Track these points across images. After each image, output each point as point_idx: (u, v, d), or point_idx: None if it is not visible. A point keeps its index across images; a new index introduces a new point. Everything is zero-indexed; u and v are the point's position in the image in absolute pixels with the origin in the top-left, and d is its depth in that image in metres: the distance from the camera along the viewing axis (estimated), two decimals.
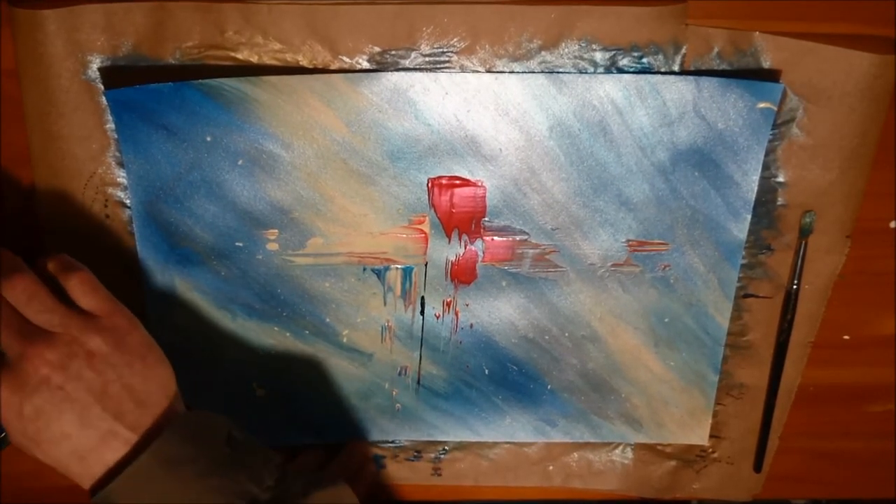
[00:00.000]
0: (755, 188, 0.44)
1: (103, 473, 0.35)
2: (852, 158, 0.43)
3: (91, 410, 0.35)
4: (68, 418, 0.34)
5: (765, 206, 0.45)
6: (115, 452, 0.35)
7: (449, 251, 0.45)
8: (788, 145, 0.43)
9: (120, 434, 0.35)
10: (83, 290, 0.37)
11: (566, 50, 0.41)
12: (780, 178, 0.44)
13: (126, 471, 0.34)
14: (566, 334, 0.47)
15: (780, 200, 0.45)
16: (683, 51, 0.41)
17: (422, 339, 0.47)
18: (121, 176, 0.43)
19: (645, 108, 0.41)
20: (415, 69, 0.41)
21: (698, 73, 0.42)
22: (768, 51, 0.42)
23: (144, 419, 0.36)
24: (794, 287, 0.46)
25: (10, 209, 0.44)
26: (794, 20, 0.42)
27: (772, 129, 0.42)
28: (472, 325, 0.47)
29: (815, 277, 0.47)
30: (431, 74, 0.41)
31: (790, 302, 0.47)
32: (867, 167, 0.44)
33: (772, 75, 0.42)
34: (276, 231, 0.44)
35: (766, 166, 0.44)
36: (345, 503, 0.40)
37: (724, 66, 0.42)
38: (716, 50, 0.42)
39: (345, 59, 0.41)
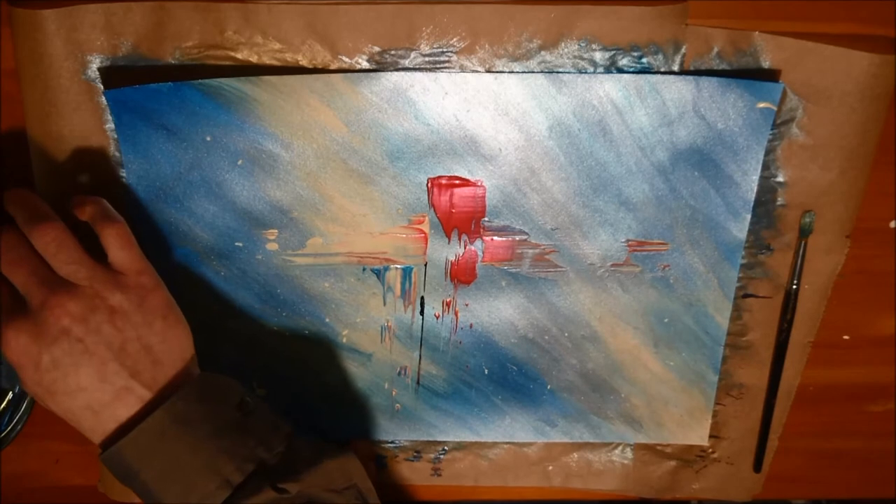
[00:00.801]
0: (755, 188, 0.44)
1: (115, 429, 0.35)
2: (852, 158, 0.43)
3: (108, 366, 0.35)
4: (85, 372, 0.34)
5: (764, 205, 0.45)
6: (128, 409, 0.35)
7: (448, 251, 0.45)
8: (788, 145, 0.43)
9: (135, 391, 0.35)
10: (118, 243, 0.37)
11: (566, 50, 0.41)
12: (780, 178, 0.44)
13: (138, 427, 0.34)
14: (566, 334, 0.47)
15: (779, 200, 0.45)
16: (683, 51, 0.41)
17: (421, 339, 0.47)
18: (120, 176, 0.43)
19: (645, 108, 0.41)
20: (414, 69, 0.41)
21: (698, 72, 0.42)
22: (768, 51, 0.42)
23: (160, 378, 0.36)
24: (794, 287, 0.46)
25: None
26: (794, 20, 0.42)
27: (771, 129, 0.42)
28: (471, 325, 0.47)
29: (814, 277, 0.47)
30: (431, 74, 0.41)
31: (790, 302, 0.47)
32: (867, 167, 0.44)
33: (772, 75, 0.42)
34: (276, 231, 0.44)
35: (765, 166, 0.44)
36: (352, 472, 0.40)
37: (723, 66, 0.42)
38: (716, 50, 0.42)
39: (344, 58, 0.41)
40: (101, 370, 0.35)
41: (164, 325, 0.37)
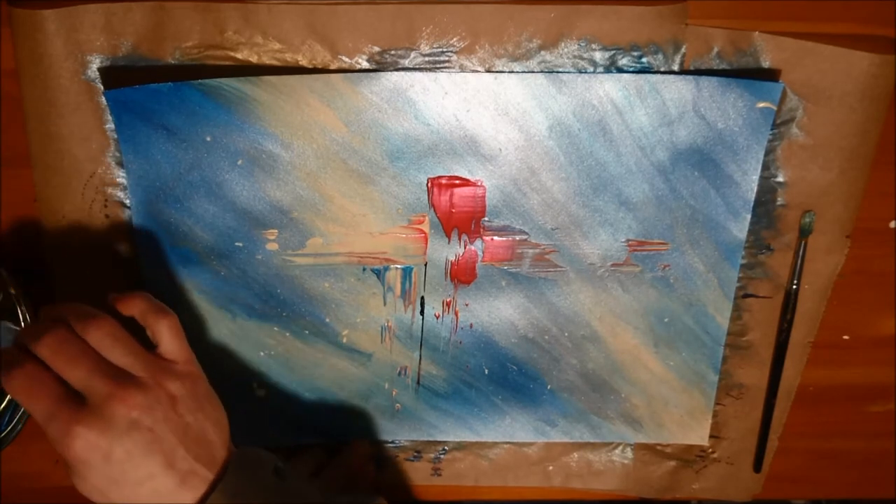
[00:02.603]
0: (755, 188, 0.44)
1: None
2: (852, 158, 0.43)
3: (176, 452, 0.36)
4: (156, 460, 0.35)
5: (764, 205, 0.45)
6: (194, 491, 0.36)
7: (448, 251, 0.45)
8: (788, 145, 0.43)
9: (199, 473, 0.36)
10: (171, 334, 0.38)
11: (566, 49, 0.41)
12: (780, 178, 0.44)
13: None
14: (566, 334, 0.47)
15: (779, 200, 0.45)
16: (683, 50, 0.41)
17: (421, 339, 0.47)
18: (120, 176, 0.43)
19: (644, 108, 0.41)
20: (414, 69, 0.41)
21: (698, 72, 0.42)
22: (768, 51, 0.42)
23: (217, 458, 0.37)
24: (794, 287, 0.46)
25: (10, 209, 0.44)
26: (794, 20, 0.42)
27: (771, 129, 0.42)
28: (471, 325, 0.47)
29: (814, 277, 0.47)
30: (431, 74, 0.41)
31: (790, 302, 0.47)
32: (867, 167, 0.44)
33: (771, 75, 0.42)
34: (276, 231, 0.44)
35: (765, 166, 0.44)
36: None
37: (723, 66, 0.42)
38: (716, 50, 0.42)
39: (344, 58, 0.41)
40: (170, 457, 0.35)
41: (211, 408, 0.38)
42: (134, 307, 0.38)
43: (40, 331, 0.35)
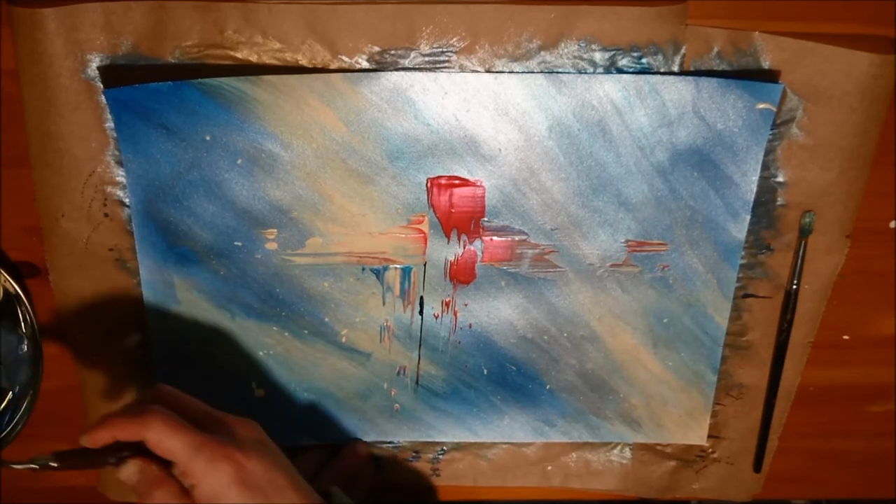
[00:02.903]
0: (754, 188, 0.44)
1: None
2: (852, 158, 0.43)
3: (291, 469, 0.38)
4: (285, 475, 0.37)
5: (764, 206, 0.45)
6: None
7: (448, 251, 0.45)
8: (788, 145, 0.43)
9: (312, 494, 0.38)
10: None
11: (565, 50, 0.41)
12: (780, 178, 0.44)
13: None
14: (565, 334, 0.47)
15: (779, 200, 0.45)
16: (683, 51, 0.41)
17: (420, 339, 0.47)
18: (120, 175, 0.43)
19: (644, 109, 0.41)
20: (414, 69, 0.41)
21: (698, 73, 0.42)
22: (768, 51, 0.41)
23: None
24: (794, 287, 0.46)
25: (10, 209, 0.44)
26: (794, 20, 0.42)
27: (771, 129, 0.42)
28: (470, 325, 0.47)
29: (814, 277, 0.47)
30: (431, 74, 0.41)
31: (790, 302, 0.47)
32: (867, 167, 0.44)
33: (771, 75, 0.42)
34: (275, 230, 0.44)
35: (765, 166, 0.44)
36: None
37: (723, 67, 0.42)
38: (715, 50, 0.42)
39: (344, 58, 0.41)
40: (290, 474, 0.38)
41: None
42: None
43: (151, 389, 0.38)
